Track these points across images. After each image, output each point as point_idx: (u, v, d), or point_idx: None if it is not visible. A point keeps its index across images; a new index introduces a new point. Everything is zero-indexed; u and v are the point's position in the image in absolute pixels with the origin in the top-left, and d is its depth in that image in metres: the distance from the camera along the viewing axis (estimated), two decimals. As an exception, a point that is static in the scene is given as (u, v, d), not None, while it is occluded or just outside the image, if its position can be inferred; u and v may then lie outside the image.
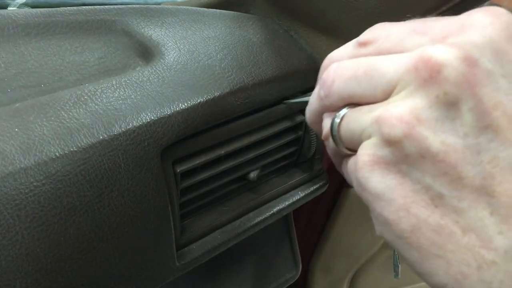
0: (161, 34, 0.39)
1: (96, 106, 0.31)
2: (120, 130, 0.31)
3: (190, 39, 0.40)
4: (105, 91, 0.32)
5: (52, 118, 0.29)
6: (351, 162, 0.22)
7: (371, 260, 0.86)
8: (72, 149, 0.28)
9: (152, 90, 0.34)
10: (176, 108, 0.33)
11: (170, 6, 0.44)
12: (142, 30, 0.39)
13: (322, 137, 0.25)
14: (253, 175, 0.43)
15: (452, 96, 0.18)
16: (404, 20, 0.22)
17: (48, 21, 0.37)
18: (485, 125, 0.18)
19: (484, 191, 0.18)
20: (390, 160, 0.19)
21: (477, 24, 0.19)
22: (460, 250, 0.18)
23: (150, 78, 0.35)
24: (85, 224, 0.29)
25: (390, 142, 0.19)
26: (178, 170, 0.35)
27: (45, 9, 0.37)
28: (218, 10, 0.46)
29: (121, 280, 0.33)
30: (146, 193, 0.32)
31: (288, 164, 0.49)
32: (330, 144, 0.24)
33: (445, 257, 0.19)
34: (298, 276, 0.60)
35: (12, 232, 0.26)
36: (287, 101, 0.43)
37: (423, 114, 0.19)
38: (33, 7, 0.45)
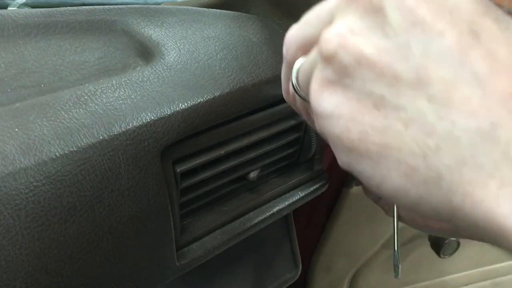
0: (161, 34, 0.39)
1: (96, 106, 0.31)
2: (120, 130, 0.31)
3: (190, 39, 0.40)
4: (105, 91, 0.32)
5: (52, 118, 0.29)
6: None
7: (371, 260, 0.86)
8: (72, 149, 0.28)
9: (152, 90, 0.34)
10: (176, 108, 0.33)
11: (170, 6, 0.44)
12: (142, 30, 0.39)
13: (291, 99, 0.27)
14: (253, 175, 0.43)
15: (376, 2, 0.19)
16: None
17: (48, 21, 0.37)
18: (412, 21, 0.19)
19: (420, 82, 0.19)
20: (334, 78, 0.21)
21: None
22: (406, 144, 0.19)
23: (150, 78, 0.35)
24: (85, 224, 0.29)
25: (329, 58, 0.21)
26: (178, 170, 0.35)
27: (45, 9, 0.37)
28: (218, 10, 0.46)
29: (121, 280, 0.33)
30: (146, 193, 0.32)
31: (288, 164, 0.49)
32: (297, 102, 0.26)
33: (393, 155, 0.19)
34: (298, 276, 0.60)
35: (12, 232, 0.26)
36: None
37: (355, 25, 0.20)
38: (33, 7, 0.45)
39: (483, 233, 0.18)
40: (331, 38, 0.21)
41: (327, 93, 0.21)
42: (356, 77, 0.20)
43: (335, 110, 0.21)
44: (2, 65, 0.33)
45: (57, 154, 0.28)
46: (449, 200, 0.18)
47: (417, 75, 0.19)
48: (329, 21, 0.22)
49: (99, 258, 0.31)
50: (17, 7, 0.45)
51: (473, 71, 0.18)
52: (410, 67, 0.19)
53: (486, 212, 0.17)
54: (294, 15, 0.46)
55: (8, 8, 0.45)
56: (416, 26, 0.19)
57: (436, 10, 0.19)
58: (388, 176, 0.20)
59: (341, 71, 0.20)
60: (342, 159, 0.22)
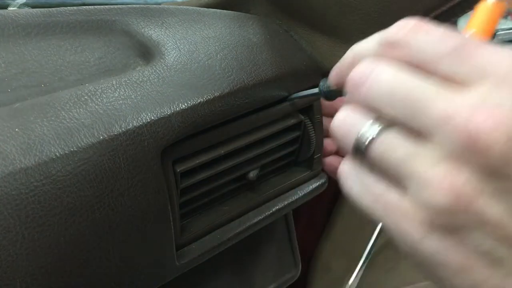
0: (161, 34, 0.39)
1: (96, 106, 0.31)
2: (120, 130, 0.31)
3: (190, 39, 0.40)
4: (105, 91, 0.32)
5: (52, 118, 0.29)
6: (396, 205, 0.20)
7: (371, 260, 0.86)
8: (72, 149, 0.29)
9: (152, 90, 0.34)
10: (176, 108, 0.33)
11: (170, 6, 0.44)
12: (142, 30, 0.39)
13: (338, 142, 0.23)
14: (252, 174, 0.43)
15: (503, 170, 0.17)
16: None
17: (48, 21, 0.37)
18: None
19: None
20: (447, 225, 0.18)
21: None
22: None
23: (150, 78, 0.35)
24: (85, 224, 0.29)
25: (446, 214, 0.18)
26: (178, 170, 0.35)
27: (45, 9, 0.37)
28: (218, 10, 0.46)
29: (121, 280, 0.33)
30: (146, 193, 0.32)
31: (287, 163, 0.49)
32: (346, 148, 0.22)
33: None
34: (298, 276, 0.60)
35: (12, 232, 0.26)
36: (291, 96, 0.43)
37: (478, 186, 0.18)
38: (33, 7, 0.45)
39: None
40: (450, 200, 0.18)
41: (436, 235, 0.19)
42: (476, 234, 0.18)
43: (444, 256, 0.19)
44: (2, 65, 0.33)
45: (57, 154, 0.28)
46: None
47: None
48: (425, 133, 0.19)
49: (99, 258, 0.31)
50: (17, 7, 0.45)
51: None
52: None
53: None
54: (294, 15, 0.46)
55: (8, 8, 0.45)
56: None
57: None
58: None
59: (458, 224, 0.18)
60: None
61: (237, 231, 0.42)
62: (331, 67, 0.27)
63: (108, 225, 0.30)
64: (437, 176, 0.18)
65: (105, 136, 0.30)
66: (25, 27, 0.36)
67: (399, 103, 0.20)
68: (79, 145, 0.29)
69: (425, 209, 0.19)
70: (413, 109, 0.19)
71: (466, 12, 0.38)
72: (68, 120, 0.30)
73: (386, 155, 0.20)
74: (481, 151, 0.17)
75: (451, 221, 0.18)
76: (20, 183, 0.26)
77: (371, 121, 0.21)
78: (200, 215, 0.42)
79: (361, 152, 0.21)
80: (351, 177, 0.23)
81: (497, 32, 1.12)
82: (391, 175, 0.20)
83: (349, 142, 0.21)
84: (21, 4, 0.46)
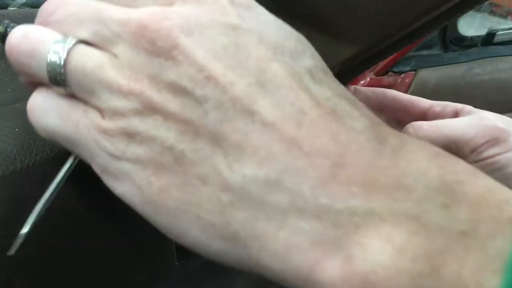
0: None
1: (97, 106, 0.31)
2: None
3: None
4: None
5: (53, 118, 0.29)
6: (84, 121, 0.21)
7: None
8: (72, 149, 0.28)
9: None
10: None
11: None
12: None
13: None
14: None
15: (166, 52, 0.18)
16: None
17: (48, 21, 0.37)
18: (205, 76, 0.18)
19: (216, 137, 0.18)
20: (130, 129, 0.20)
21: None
22: (204, 200, 0.19)
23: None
24: (85, 224, 0.29)
25: (132, 115, 0.19)
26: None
27: (45, 9, 0.37)
28: (218, 10, 0.46)
29: (120, 280, 0.33)
30: (146, 193, 0.32)
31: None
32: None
33: (193, 211, 0.19)
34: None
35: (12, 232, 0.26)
36: None
37: (154, 85, 0.19)
38: (33, 7, 0.45)
39: (286, 281, 0.18)
40: (127, 92, 0.19)
41: (125, 143, 0.20)
42: (158, 134, 0.19)
43: (139, 162, 0.20)
44: (3, 65, 0.33)
45: (59, 154, 0.28)
46: (248, 254, 0.18)
47: (214, 130, 0.18)
48: (109, 39, 0.20)
49: (99, 258, 0.31)
50: (17, 7, 0.45)
51: (261, 119, 0.18)
52: (208, 123, 0.18)
53: (283, 263, 0.18)
54: (294, 15, 0.46)
55: (8, 8, 0.45)
56: (209, 80, 0.18)
57: (226, 64, 0.18)
58: (188, 230, 0.20)
59: (140, 125, 0.19)
60: (138, 208, 0.21)
61: (237, 231, 0.42)
62: (333, 67, 0.27)
63: (108, 224, 0.30)
64: (119, 80, 0.19)
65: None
66: (25, 27, 0.35)
67: (86, 18, 0.20)
68: (80, 145, 0.29)
69: (114, 115, 0.20)
70: (98, 21, 0.20)
71: (466, 12, 0.38)
72: (68, 120, 0.30)
73: (81, 67, 0.20)
74: (148, 35, 0.18)
75: (139, 123, 0.19)
76: (21, 183, 0.26)
77: (62, 36, 0.20)
78: (200, 215, 0.42)
79: (57, 73, 0.20)
80: (48, 109, 0.22)
81: (497, 32, 1.12)
82: (90, 94, 0.20)
83: (39, 63, 0.20)
84: (21, 4, 0.46)
